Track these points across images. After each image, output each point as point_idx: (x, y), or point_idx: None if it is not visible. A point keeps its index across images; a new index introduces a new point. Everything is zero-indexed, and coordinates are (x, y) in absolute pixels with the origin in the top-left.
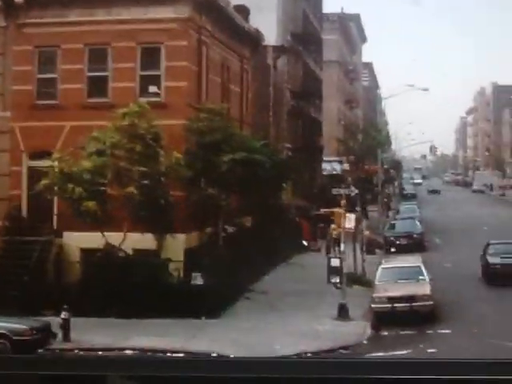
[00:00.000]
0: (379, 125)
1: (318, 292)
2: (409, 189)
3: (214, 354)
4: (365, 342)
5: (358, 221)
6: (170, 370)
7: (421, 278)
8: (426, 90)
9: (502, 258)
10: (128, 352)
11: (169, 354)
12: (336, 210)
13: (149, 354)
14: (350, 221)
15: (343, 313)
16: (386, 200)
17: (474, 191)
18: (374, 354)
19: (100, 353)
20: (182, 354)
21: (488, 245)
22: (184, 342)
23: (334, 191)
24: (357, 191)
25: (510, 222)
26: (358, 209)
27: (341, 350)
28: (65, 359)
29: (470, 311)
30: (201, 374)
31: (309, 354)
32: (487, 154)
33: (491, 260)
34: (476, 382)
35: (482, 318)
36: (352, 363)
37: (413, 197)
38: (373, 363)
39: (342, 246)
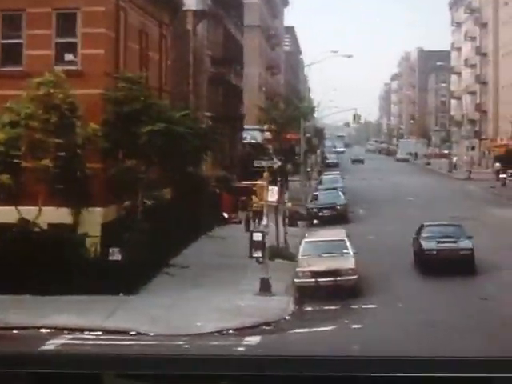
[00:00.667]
0: (301, 92)
1: (240, 266)
2: (331, 158)
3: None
4: (287, 317)
5: (280, 193)
6: (169, 367)
7: (345, 251)
8: (350, 56)
9: (438, 242)
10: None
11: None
12: (258, 182)
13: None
14: (272, 194)
15: (266, 288)
16: (308, 170)
17: (398, 160)
18: (297, 330)
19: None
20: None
21: (422, 227)
22: (103, 320)
23: (256, 163)
24: (279, 163)
25: (435, 192)
26: (279, 179)
27: (263, 327)
28: (57, 356)
29: (395, 285)
30: (200, 371)
31: (230, 331)
32: (412, 121)
33: (426, 245)
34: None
35: (408, 291)
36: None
37: (335, 166)
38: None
39: (265, 220)
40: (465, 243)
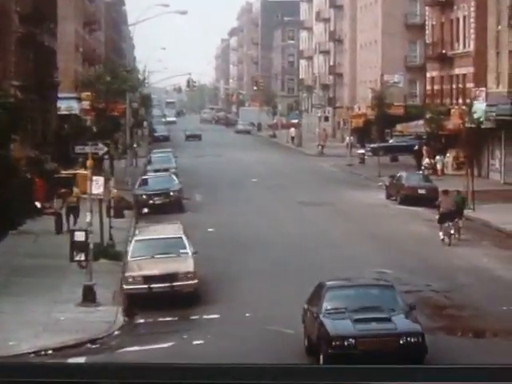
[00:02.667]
0: (125, 51)
1: (59, 269)
2: (161, 130)
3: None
4: (116, 332)
5: (105, 180)
6: (167, 377)
7: (182, 251)
8: (184, 13)
9: (357, 322)
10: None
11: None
12: (80, 171)
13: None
14: (97, 185)
15: (90, 297)
16: (135, 146)
17: (239, 132)
18: (128, 349)
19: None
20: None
21: (321, 289)
22: None
23: (78, 149)
24: (106, 149)
25: (283, 171)
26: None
27: (88, 345)
28: (52, 365)
29: (241, 289)
30: (200, 381)
31: (50, 352)
32: (255, 87)
33: (335, 329)
34: None
35: (256, 296)
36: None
37: (166, 140)
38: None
39: (89, 217)
40: (405, 324)
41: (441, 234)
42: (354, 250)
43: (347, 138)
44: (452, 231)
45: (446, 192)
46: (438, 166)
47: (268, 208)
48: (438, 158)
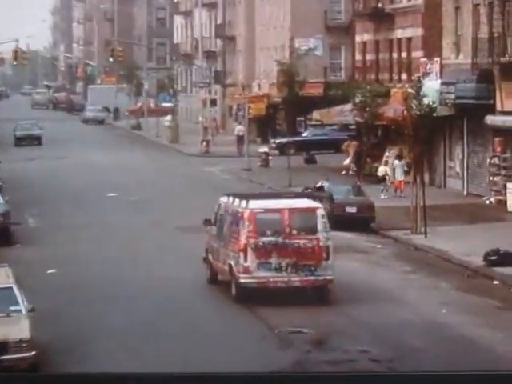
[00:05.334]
0: None
1: None
2: None
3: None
4: None
5: None
6: None
7: (14, 309)
8: None
9: None
10: None
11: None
12: None
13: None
14: None
15: None
16: None
17: (88, 121)
18: None
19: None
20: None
21: None
22: None
23: None
24: None
25: (151, 180)
26: None
27: None
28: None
29: (99, 358)
30: None
31: None
32: (111, 57)
33: None
34: None
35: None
36: None
37: None
38: None
39: None
40: None
41: None
42: None
43: (238, 127)
44: None
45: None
46: (398, 176)
47: (132, 236)
48: (396, 162)
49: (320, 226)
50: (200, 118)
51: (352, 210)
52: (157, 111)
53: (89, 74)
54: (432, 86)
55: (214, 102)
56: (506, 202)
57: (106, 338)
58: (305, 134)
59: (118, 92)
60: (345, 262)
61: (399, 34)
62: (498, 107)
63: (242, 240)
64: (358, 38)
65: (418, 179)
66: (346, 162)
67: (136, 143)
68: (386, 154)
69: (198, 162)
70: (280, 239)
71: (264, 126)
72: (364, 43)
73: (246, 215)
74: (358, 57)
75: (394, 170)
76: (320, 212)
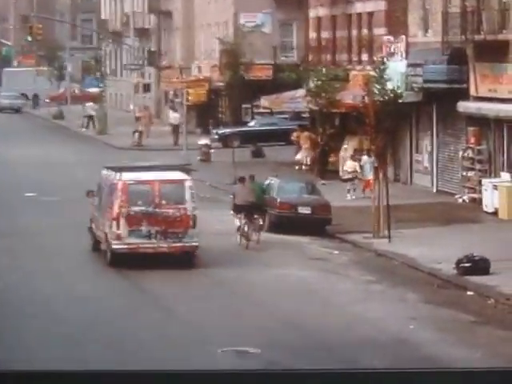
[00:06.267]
0: None
1: None
2: None
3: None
4: None
5: None
6: None
7: None
8: None
9: None
10: None
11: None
12: None
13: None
14: None
15: None
16: None
17: (2, 109)
18: None
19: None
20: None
21: None
22: None
23: None
24: None
25: (76, 178)
26: None
27: None
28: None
29: None
30: None
31: None
32: (29, 36)
33: None
34: None
35: None
36: None
37: None
38: None
39: None
40: None
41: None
42: None
43: (173, 115)
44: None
45: (242, 180)
46: (367, 174)
47: (58, 247)
48: (365, 158)
49: (188, 197)
50: (131, 106)
51: (305, 210)
52: (82, 98)
53: (3, 55)
54: (397, 68)
55: (147, 87)
56: (480, 200)
57: None
58: (251, 124)
59: (37, 76)
60: (296, 271)
61: (359, 8)
62: (472, 92)
63: (115, 209)
64: (311, 13)
65: (381, 175)
66: (298, 156)
67: (58, 135)
68: (344, 146)
69: (128, 156)
70: (150, 208)
71: (205, 115)
72: (319, 19)
73: (119, 186)
74: (312, 35)
75: (361, 167)
76: (188, 184)
